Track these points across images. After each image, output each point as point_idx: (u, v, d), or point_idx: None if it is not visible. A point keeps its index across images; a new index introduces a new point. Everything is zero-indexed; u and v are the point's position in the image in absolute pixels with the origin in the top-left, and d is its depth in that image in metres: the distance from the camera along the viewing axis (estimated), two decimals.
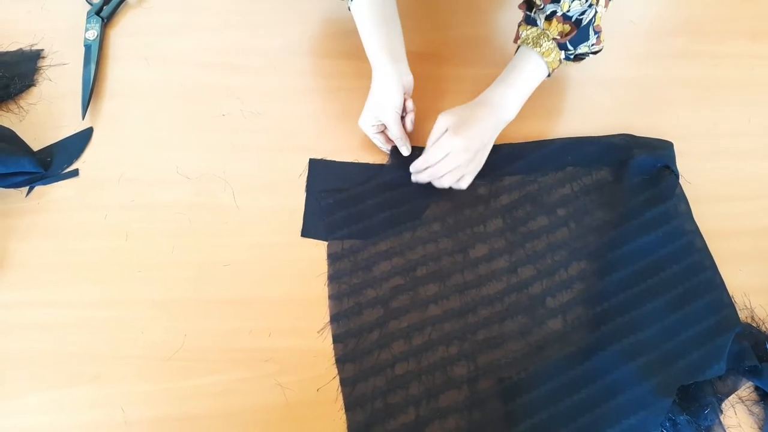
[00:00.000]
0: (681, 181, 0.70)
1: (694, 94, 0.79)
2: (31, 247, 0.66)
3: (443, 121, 0.66)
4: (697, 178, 0.72)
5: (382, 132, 0.71)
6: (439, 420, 0.58)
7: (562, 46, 0.65)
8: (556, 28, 0.64)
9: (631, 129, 0.75)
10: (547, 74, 0.68)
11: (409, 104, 0.70)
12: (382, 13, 0.67)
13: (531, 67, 0.67)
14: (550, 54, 0.65)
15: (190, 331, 0.62)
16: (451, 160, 0.65)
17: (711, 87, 0.80)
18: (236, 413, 0.58)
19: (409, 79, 0.68)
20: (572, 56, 0.66)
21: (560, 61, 0.66)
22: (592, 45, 0.65)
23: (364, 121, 0.70)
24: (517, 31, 0.68)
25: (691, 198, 0.69)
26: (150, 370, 0.60)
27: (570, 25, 0.63)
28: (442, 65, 0.80)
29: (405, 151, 0.70)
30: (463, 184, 0.68)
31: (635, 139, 0.73)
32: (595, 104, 0.77)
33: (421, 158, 0.68)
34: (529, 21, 0.67)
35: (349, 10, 0.68)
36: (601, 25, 0.64)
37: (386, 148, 0.72)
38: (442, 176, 0.66)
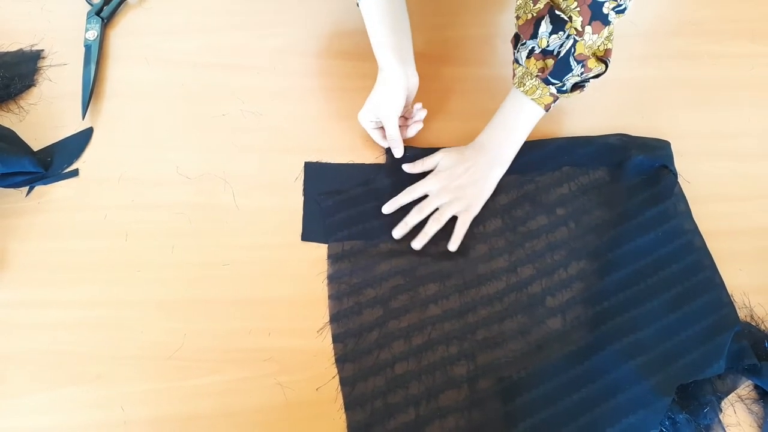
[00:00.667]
0: (680, 180, 0.71)
1: (694, 94, 0.79)
2: (31, 247, 0.66)
3: (437, 158, 0.70)
4: (696, 178, 0.72)
5: (381, 128, 0.71)
6: (439, 420, 0.58)
7: (547, 82, 0.63)
8: (535, 65, 0.63)
9: (630, 129, 0.75)
10: (542, 111, 0.66)
11: (421, 114, 0.71)
12: (391, 12, 0.66)
13: (519, 108, 0.67)
14: (534, 92, 0.65)
15: (190, 331, 0.62)
16: (431, 202, 0.68)
17: (710, 87, 0.80)
18: (236, 413, 0.58)
19: (415, 81, 0.68)
20: (565, 89, 0.64)
21: (552, 95, 0.65)
22: (582, 74, 0.62)
23: (363, 116, 0.70)
24: (513, 71, 0.68)
25: (690, 198, 0.69)
26: (150, 369, 0.60)
27: (552, 59, 0.62)
28: (444, 65, 0.80)
29: (397, 152, 0.70)
30: (460, 229, 0.67)
31: (632, 139, 0.73)
32: (594, 104, 0.77)
33: (403, 193, 0.69)
34: (516, 60, 0.66)
35: (358, 6, 0.67)
36: (600, 51, 0.62)
37: (384, 143, 0.72)
38: (427, 215, 0.67)
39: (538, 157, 0.72)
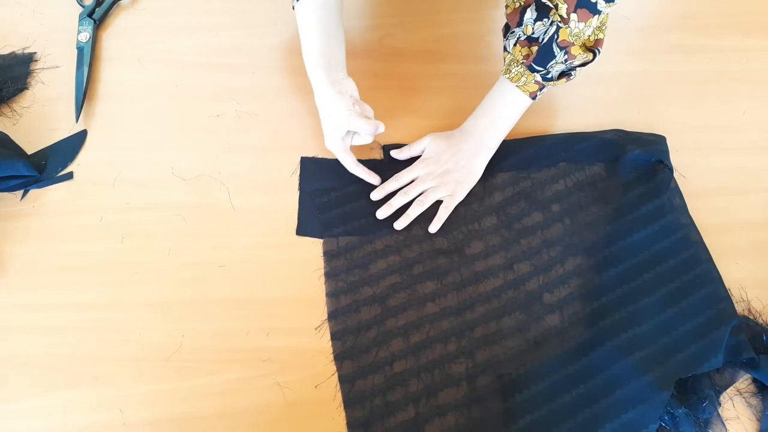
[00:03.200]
0: (675, 175, 0.71)
1: (689, 88, 0.79)
2: (27, 251, 0.66)
3: (424, 143, 0.71)
4: (691, 173, 0.72)
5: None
6: (439, 417, 0.58)
7: (532, 69, 0.64)
8: (520, 52, 0.65)
9: (625, 124, 0.75)
10: (528, 99, 0.67)
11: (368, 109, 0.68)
12: (326, 20, 0.65)
13: (505, 94, 0.68)
14: (519, 79, 0.65)
15: (188, 332, 0.62)
16: (417, 186, 0.68)
17: (705, 81, 0.80)
18: (235, 413, 0.58)
19: (349, 85, 0.67)
20: (551, 76, 0.64)
21: (537, 83, 0.65)
22: (567, 61, 0.62)
23: (332, 138, 0.67)
24: (503, 58, 0.69)
25: (686, 192, 0.69)
26: (148, 371, 0.60)
27: (537, 45, 0.63)
28: (439, 62, 0.80)
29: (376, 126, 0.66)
30: (443, 212, 0.68)
31: (628, 135, 0.73)
32: (589, 100, 0.77)
33: (391, 180, 0.69)
34: (505, 48, 0.68)
35: (294, 9, 0.67)
36: (589, 41, 0.62)
37: (357, 170, 0.69)
38: (412, 198, 0.68)
39: (533, 154, 0.72)
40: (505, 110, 0.68)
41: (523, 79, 0.65)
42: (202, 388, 0.59)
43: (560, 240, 0.67)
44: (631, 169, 0.70)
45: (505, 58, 0.68)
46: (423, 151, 0.71)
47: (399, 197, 0.68)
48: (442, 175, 0.69)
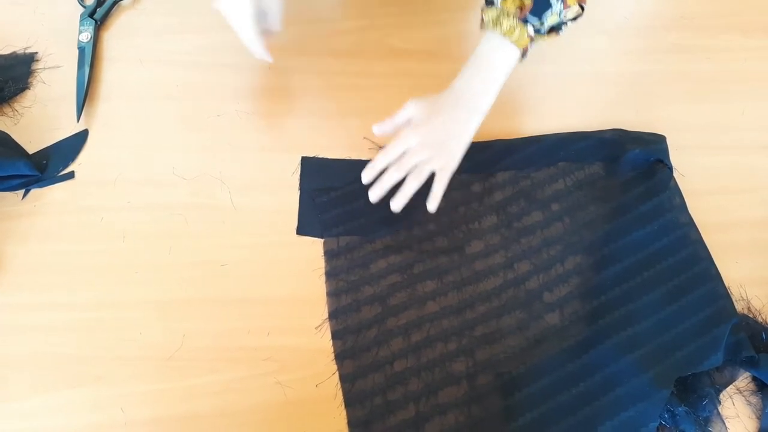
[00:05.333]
0: (675, 174, 0.71)
1: (687, 88, 0.79)
2: (28, 250, 0.66)
3: (409, 110, 0.65)
4: (690, 172, 0.72)
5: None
6: (439, 416, 0.58)
7: (526, 21, 0.61)
8: (513, 3, 0.61)
9: (624, 124, 0.75)
10: (519, 55, 0.63)
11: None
12: None
13: (496, 51, 0.63)
14: (513, 32, 0.62)
15: (188, 331, 0.62)
16: (410, 158, 0.63)
17: (704, 81, 0.80)
18: (236, 412, 0.58)
19: None
20: (543, 30, 0.62)
21: (530, 37, 0.62)
22: (562, 11, 0.60)
23: (244, 16, 0.65)
24: (481, 16, 0.65)
25: (686, 191, 0.70)
26: (149, 370, 0.60)
27: None
28: (441, 62, 0.80)
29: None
30: (438, 187, 0.64)
31: (627, 134, 0.73)
32: (588, 99, 0.77)
33: (380, 155, 0.65)
34: (489, 2, 0.64)
35: None
36: None
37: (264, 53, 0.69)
38: (406, 174, 0.64)
39: (533, 153, 0.72)
40: (497, 67, 0.64)
41: (517, 32, 0.61)
42: (203, 387, 0.59)
43: (560, 239, 0.67)
44: (631, 168, 0.70)
45: (485, 15, 0.63)
46: (409, 120, 0.66)
47: (392, 173, 0.63)
48: (436, 145, 0.64)
